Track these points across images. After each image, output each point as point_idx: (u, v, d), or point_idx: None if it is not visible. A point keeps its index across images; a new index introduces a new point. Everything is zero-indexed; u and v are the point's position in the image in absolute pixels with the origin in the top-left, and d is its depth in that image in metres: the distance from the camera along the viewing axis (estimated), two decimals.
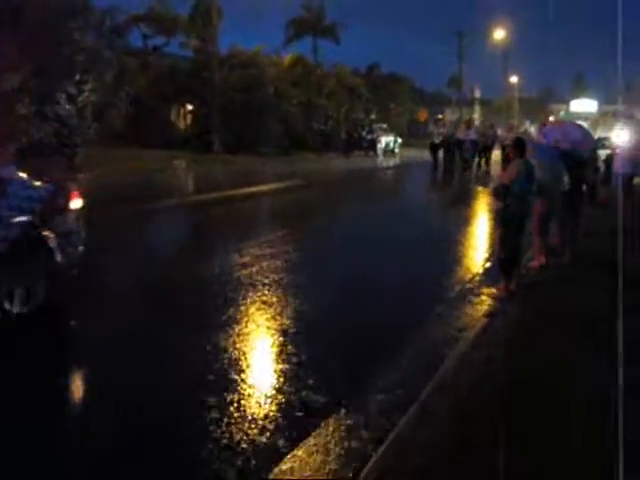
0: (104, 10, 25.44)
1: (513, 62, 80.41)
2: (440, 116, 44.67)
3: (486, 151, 31.88)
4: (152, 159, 26.83)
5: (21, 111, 18.28)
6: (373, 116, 45.73)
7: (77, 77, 20.26)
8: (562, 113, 68.91)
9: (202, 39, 33.73)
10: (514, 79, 78.57)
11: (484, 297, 8.69)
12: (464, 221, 15.77)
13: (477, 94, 79.42)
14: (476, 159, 31.27)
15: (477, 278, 9.82)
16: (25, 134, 18.39)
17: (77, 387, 5.83)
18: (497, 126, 38.71)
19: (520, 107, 77.15)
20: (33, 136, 18.66)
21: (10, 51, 18.03)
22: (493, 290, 8.88)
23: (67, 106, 19.82)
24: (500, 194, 8.70)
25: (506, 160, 9.76)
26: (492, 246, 11.46)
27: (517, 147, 8.95)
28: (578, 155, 10.31)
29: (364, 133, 42.61)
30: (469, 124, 32.85)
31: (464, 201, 19.96)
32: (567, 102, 79.11)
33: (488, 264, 10.63)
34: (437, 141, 29.94)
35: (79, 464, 4.42)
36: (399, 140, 44.88)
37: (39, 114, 18.87)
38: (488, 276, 9.78)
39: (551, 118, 51.79)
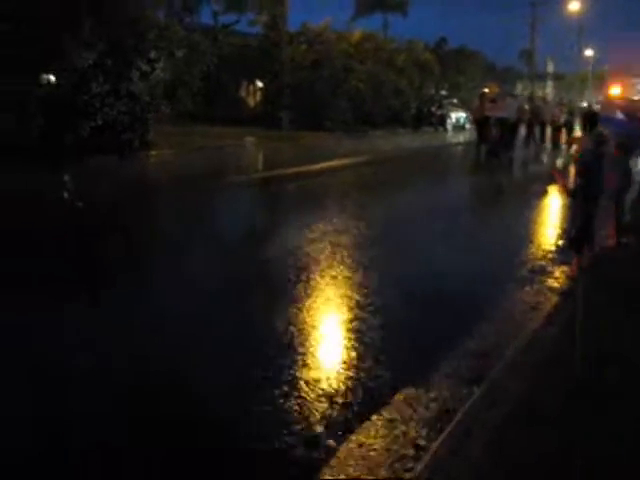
0: None
1: (589, 34, 78.23)
2: (487, 90, 40.52)
3: (537, 128, 30.02)
4: (222, 136, 27.15)
5: (95, 89, 18.63)
6: (444, 92, 45.05)
7: (150, 55, 20.51)
8: (639, 87, 66.65)
9: (272, 16, 33.82)
10: (589, 52, 76.43)
11: (557, 274, 8.57)
12: (534, 198, 15.48)
13: (550, 68, 77.36)
14: (520, 139, 28.60)
15: (549, 256, 9.67)
16: (100, 111, 18.76)
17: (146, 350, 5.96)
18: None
19: (594, 82, 74.96)
20: (107, 114, 19.01)
21: (85, 28, 18.41)
22: (565, 268, 8.75)
23: (140, 83, 20.11)
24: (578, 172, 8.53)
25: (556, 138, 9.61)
26: (564, 224, 11.25)
27: (586, 121, 8.82)
28: None
29: (434, 109, 42.03)
30: (493, 99, 27.11)
31: (533, 179, 19.57)
32: None
33: (560, 242, 10.45)
34: (488, 116, 26.18)
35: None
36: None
37: (113, 92, 19.20)
38: (560, 254, 9.62)
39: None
